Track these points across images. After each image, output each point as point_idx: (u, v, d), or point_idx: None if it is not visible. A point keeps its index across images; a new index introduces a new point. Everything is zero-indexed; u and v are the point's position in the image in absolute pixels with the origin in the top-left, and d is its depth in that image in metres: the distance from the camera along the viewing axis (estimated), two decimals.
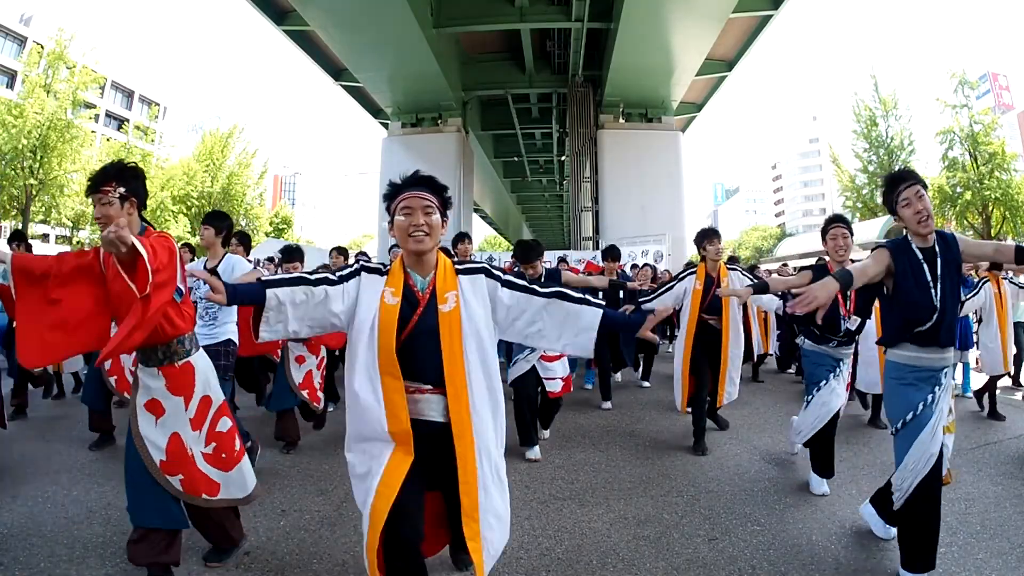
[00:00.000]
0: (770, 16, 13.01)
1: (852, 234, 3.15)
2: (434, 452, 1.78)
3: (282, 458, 3.71)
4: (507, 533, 1.91)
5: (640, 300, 4.09)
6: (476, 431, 1.79)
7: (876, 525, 2.53)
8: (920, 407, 2.17)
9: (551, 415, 4.19)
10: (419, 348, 1.77)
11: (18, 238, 4.58)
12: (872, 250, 2.36)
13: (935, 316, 2.16)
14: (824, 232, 3.17)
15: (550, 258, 9.64)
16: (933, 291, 2.17)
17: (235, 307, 3.93)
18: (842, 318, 2.98)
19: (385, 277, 1.83)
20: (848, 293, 2.94)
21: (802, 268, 3.65)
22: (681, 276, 4.10)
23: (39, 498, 2.92)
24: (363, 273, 1.85)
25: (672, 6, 11.51)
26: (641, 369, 6.74)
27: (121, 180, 1.99)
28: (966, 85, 17.89)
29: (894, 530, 2.51)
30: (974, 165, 17.51)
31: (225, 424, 2.19)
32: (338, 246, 6.37)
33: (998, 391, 4.95)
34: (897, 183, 2.26)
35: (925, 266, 2.19)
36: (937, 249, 2.22)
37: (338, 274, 1.82)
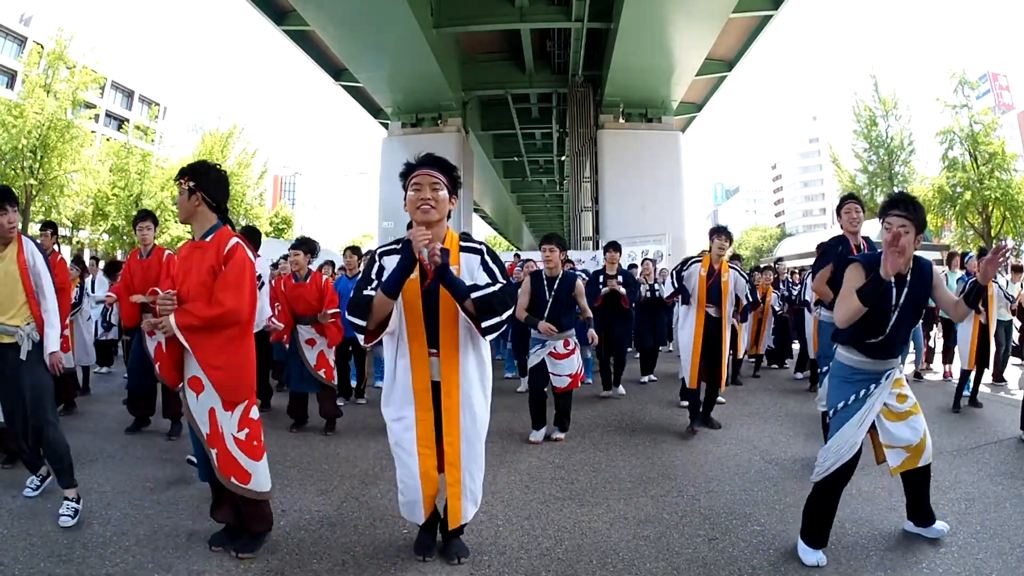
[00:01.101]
0: (770, 16, 13.04)
1: (864, 210, 3.69)
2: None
3: (282, 458, 3.70)
4: (480, 490, 2.23)
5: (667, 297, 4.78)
6: (462, 389, 2.06)
7: (924, 531, 2.50)
8: (852, 398, 2.32)
9: (563, 414, 4.25)
10: (425, 313, 2.06)
11: (49, 227, 4.61)
12: (846, 265, 2.34)
13: (881, 338, 2.27)
14: (839, 208, 3.69)
15: None
16: (892, 315, 2.25)
17: (266, 288, 4.41)
18: None
19: (399, 255, 2.06)
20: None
21: (815, 264, 3.85)
22: (690, 263, 4.49)
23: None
24: (382, 258, 2.10)
25: (672, 6, 11.51)
26: (643, 365, 6.85)
27: (193, 176, 2.32)
28: (966, 85, 17.88)
29: (945, 526, 2.48)
30: (974, 165, 17.50)
31: (255, 413, 2.36)
32: (352, 246, 6.17)
33: (988, 388, 5.03)
34: (893, 206, 2.23)
35: (893, 291, 2.25)
36: (908, 279, 2.26)
37: (374, 278, 2.08)
